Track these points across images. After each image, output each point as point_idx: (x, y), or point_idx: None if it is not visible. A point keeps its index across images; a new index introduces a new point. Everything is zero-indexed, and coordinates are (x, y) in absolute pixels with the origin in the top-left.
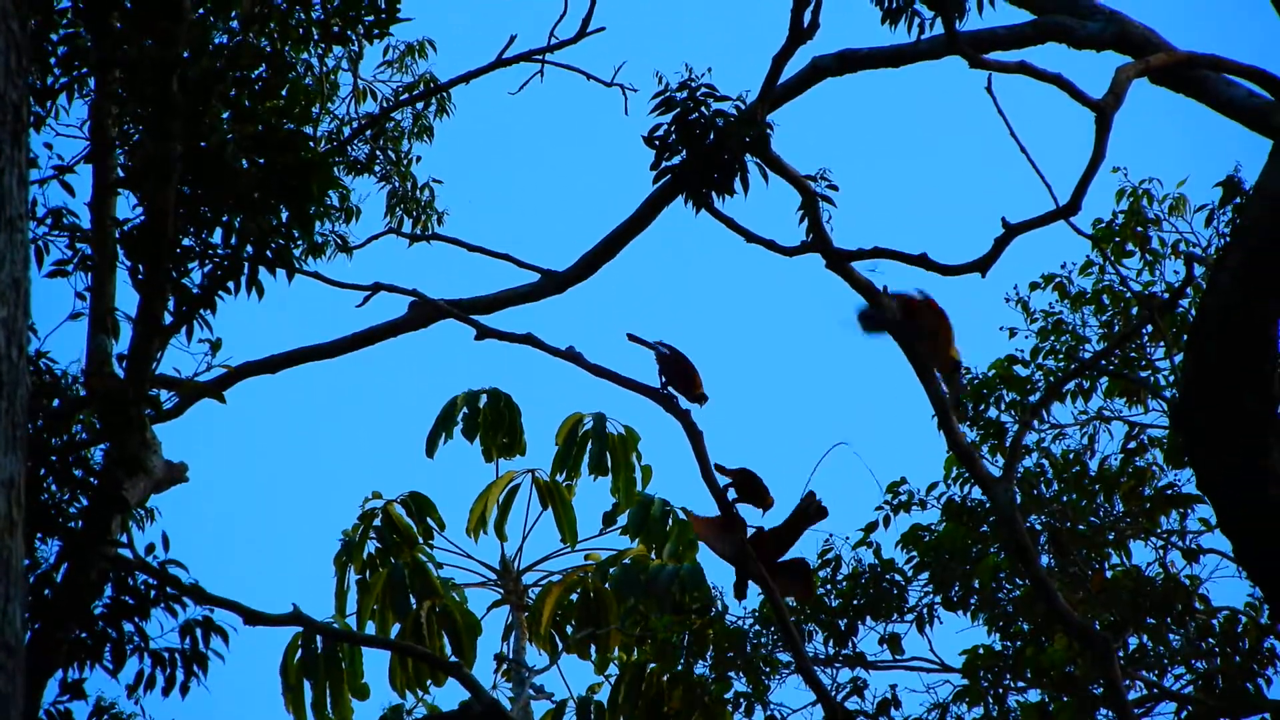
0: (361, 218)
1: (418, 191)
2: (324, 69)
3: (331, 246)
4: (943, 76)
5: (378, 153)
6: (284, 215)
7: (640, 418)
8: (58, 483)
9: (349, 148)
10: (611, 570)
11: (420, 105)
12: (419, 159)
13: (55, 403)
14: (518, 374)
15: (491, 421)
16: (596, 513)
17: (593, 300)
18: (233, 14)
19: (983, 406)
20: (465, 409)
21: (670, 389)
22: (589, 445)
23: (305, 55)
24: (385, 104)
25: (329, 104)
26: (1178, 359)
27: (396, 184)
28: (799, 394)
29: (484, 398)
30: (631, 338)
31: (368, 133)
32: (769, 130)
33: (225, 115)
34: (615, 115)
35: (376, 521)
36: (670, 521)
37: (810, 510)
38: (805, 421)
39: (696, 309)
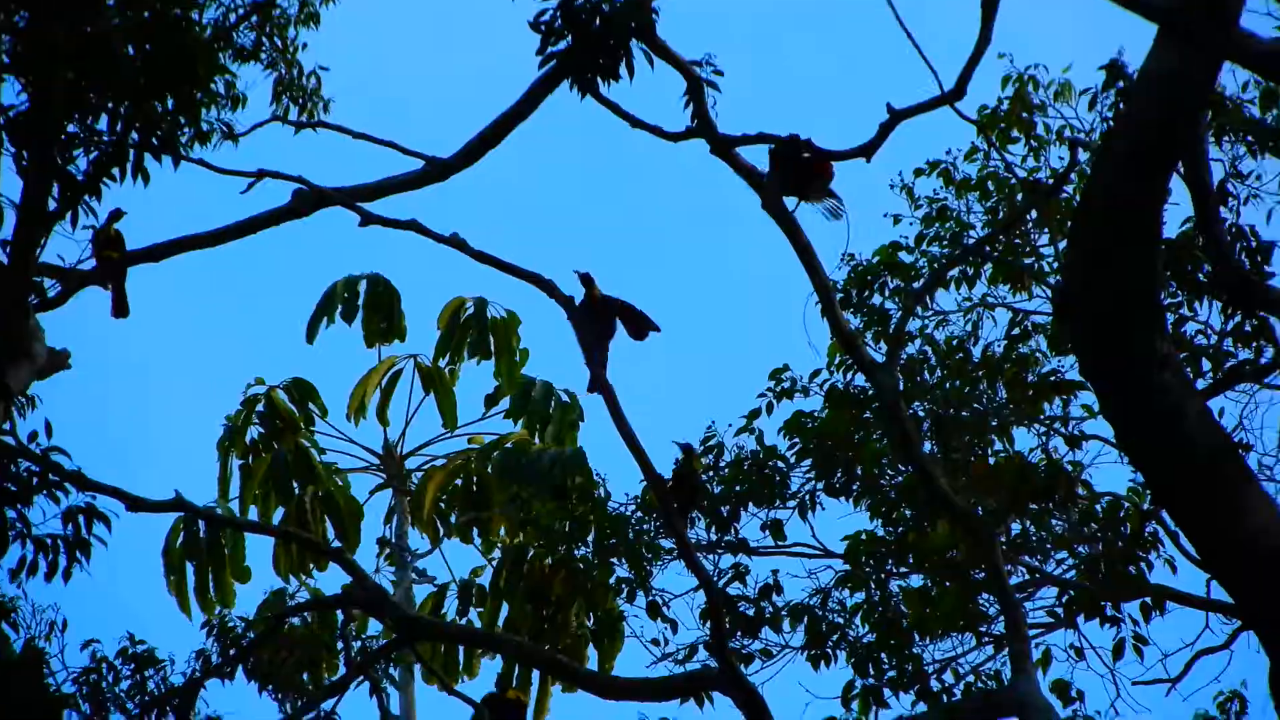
0: (247, 106)
1: (304, 79)
2: None
3: (217, 135)
4: None
5: (263, 40)
6: (170, 102)
7: (524, 310)
8: None
9: (234, 34)
10: (494, 455)
11: None
12: (305, 46)
13: None
14: (403, 263)
15: (371, 306)
16: (479, 397)
17: (478, 188)
18: None
19: (866, 293)
20: (345, 294)
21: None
22: (470, 330)
23: None
24: None
25: None
26: (1062, 245)
27: (283, 71)
28: (684, 281)
29: (364, 283)
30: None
31: (253, 19)
32: (654, 16)
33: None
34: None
35: (259, 407)
36: (552, 404)
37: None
38: (690, 308)
39: (582, 196)
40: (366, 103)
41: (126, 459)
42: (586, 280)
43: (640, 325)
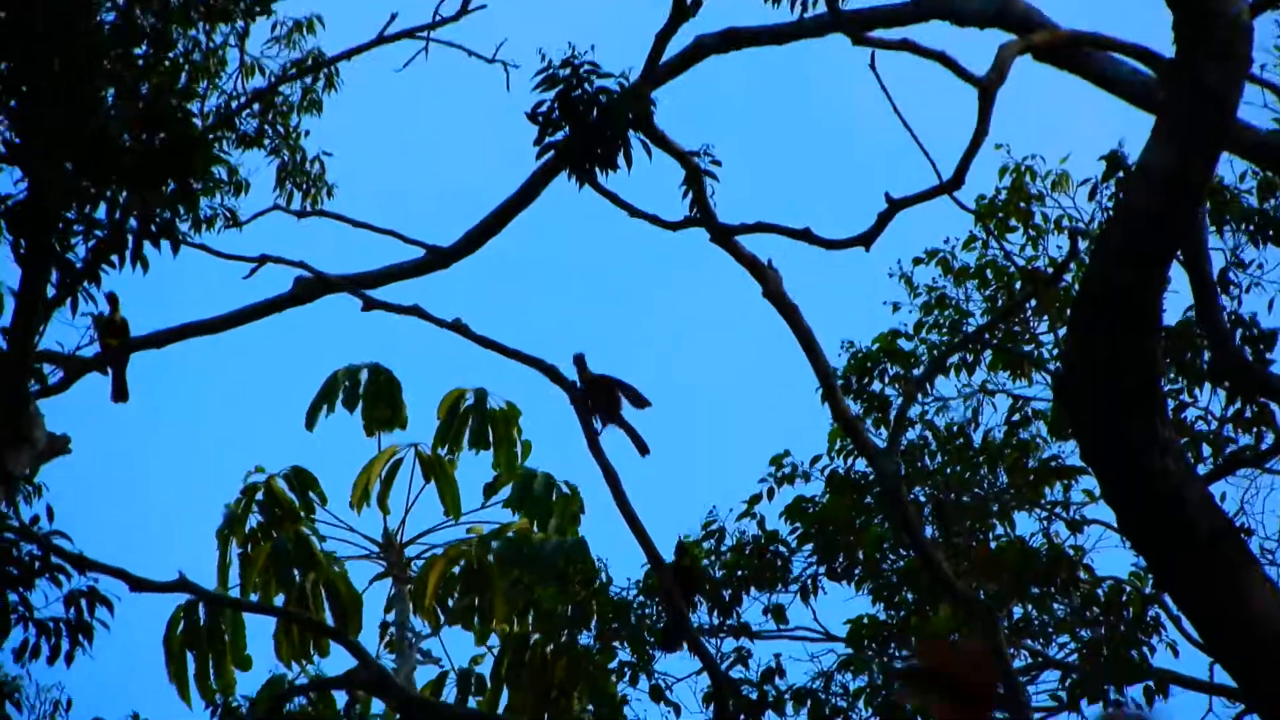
0: (251, 191)
1: (307, 164)
2: (210, 45)
3: (221, 220)
4: (827, 54)
5: (266, 127)
6: (168, 190)
7: (526, 394)
8: None
9: (238, 121)
10: (494, 544)
11: (309, 80)
12: (308, 133)
13: None
14: (403, 350)
15: (372, 395)
16: (479, 487)
17: (479, 276)
18: None
19: (867, 380)
20: (346, 383)
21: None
22: (470, 420)
23: (194, 32)
24: (273, 79)
25: (217, 79)
26: (1061, 333)
27: (286, 158)
28: (684, 367)
29: (364, 372)
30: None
31: (256, 107)
32: (652, 106)
33: (109, 92)
34: (501, 92)
35: (259, 495)
36: (554, 495)
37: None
38: (691, 394)
39: (582, 283)
40: (369, 181)
41: (126, 545)
42: (579, 362)
43: (635, 397)
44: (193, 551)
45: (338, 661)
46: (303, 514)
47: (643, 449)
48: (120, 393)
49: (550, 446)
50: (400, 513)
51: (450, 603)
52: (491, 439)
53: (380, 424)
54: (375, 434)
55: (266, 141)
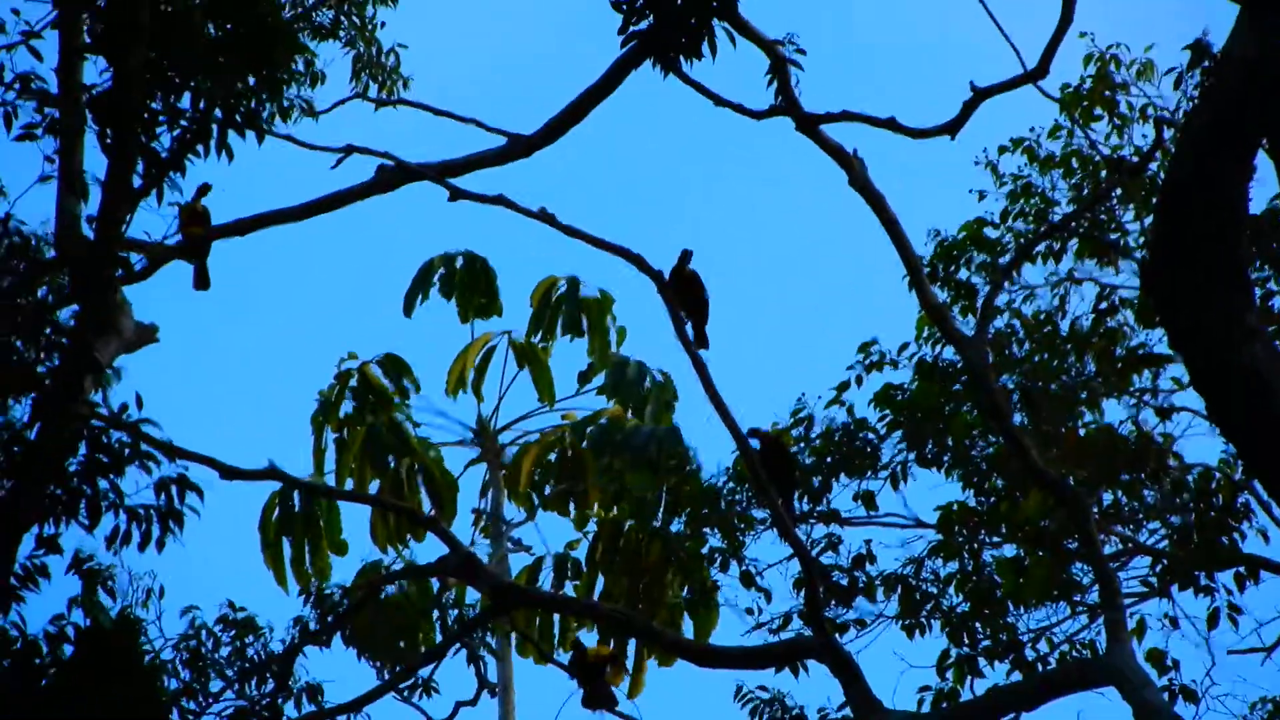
0: (326, 83)
1: (383, 57)
2: None
3: (297, 111)
4: None
5: (342, 18)
6: (251, 80)
7: (617, 284)
8: (28, 344)
9: (314, 13)
10: (589, 430)
11: None
12: (383, 24)
13: (22, 265)
14: (485, 240)
15: (468, 283)
16: (572, 374)
17: (561, 167)
18: None
19: (953, 268)
20: (442, 270)
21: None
22: (564, 307)
23: None
24: None
25: None
26: (1147, 221)
27: (361, 49)
28: (770, 257)
29: (460, 259)
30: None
31: None
32: None
33: None
34: None
35: (353, 382)
36: (647, 383)
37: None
38: (778, 284)
39: (664, 174)
40: (443, 75)
41: (216, 433)
42: (684, 257)
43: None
44: (284, 439)
45: (434, 547)
46: (396, 400)
47: (702, 342)
48: (202, 281)
49: (644, 334)
50: (494, 399)
51: (547, 490)
52: (585, 326)
53: (476, 311)
54: (469, 321)
55: (341, 33)
